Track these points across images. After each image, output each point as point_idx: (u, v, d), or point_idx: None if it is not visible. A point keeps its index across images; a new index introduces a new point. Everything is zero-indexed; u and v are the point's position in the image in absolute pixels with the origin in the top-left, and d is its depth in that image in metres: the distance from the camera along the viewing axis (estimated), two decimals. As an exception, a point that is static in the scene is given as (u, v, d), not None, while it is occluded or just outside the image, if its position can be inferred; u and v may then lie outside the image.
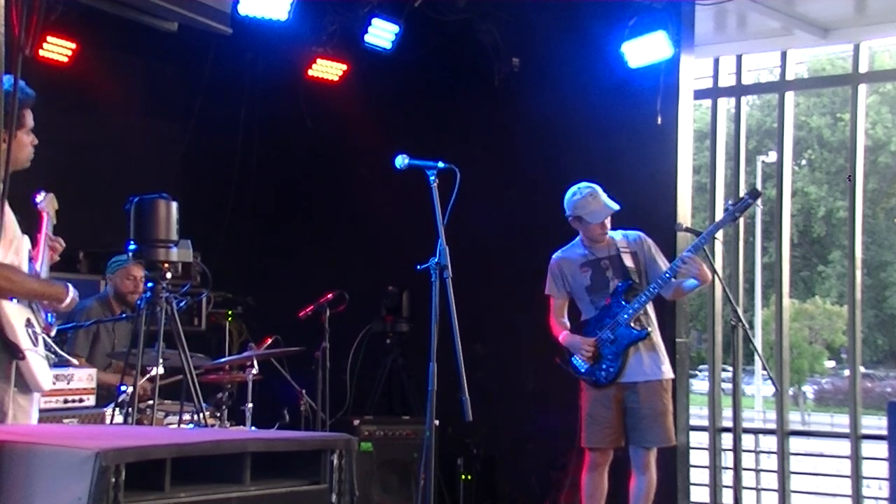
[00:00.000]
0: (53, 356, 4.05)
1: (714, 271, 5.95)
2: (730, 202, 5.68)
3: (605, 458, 5.73)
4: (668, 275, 5.62)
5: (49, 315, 4.14)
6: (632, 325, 5.66)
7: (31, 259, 4.10)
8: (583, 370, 5.72)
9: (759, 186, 23.47)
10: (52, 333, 4.20)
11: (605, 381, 5.67)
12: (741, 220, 8.41)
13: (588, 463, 5.75)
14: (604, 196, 5.72)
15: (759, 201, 5.72)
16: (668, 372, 5.74)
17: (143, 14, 5.04)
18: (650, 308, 5.73)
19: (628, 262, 5.75)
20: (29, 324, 3.93)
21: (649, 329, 5.68)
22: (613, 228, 5.81)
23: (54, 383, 4.89)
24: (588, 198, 5.70)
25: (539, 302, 5.99)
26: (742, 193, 5.70)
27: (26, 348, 3.82)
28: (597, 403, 5.70)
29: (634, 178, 6.59)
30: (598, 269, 5.76)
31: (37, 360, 3.89)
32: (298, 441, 3.09)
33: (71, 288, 4.04)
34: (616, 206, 5.71)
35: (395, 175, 4.41)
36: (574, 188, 5.76)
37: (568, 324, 5.86)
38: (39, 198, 4.31)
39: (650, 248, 5.81)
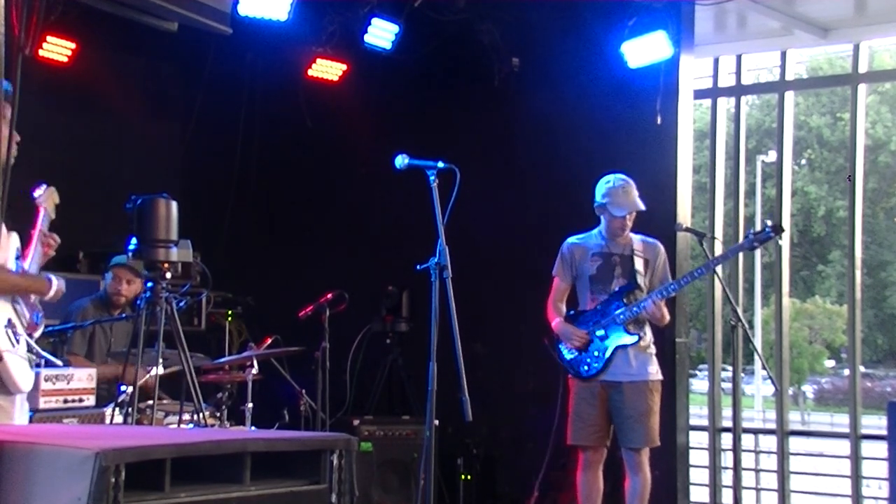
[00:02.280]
0: (35, 357, 4.02)
1: (714, 271, 5.99)
2: (752, 231, 5.70)
3: (597, 457, 5.75)
4: (673, 287, 5.69)
5: (37, 315, 4.12)
6: (627, 327, 5.69)
7: (18, 256, 4.09)
8: (567, 358, 5.79)
9: (758, 186, 23.55)
10: (37, 333, 4.18)
11: (585, 375, 5.74)
12: (741, 220, 8.49)
13: (581, 463, 5.77)
14: (634, 193, 5.75)
15: (781, 237, 5.78)
16: (655, 374, 5.76)
17: (143, 14, 5.04)
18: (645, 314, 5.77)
19: (639, 266, 5.78)
20: (10, 324, 3.90)
21: (641, 334, 5.71)
22: (638, 233, 5.86)
23: (53, 383, 4.90)
24: (619, 189, 5.73)
25: (539, 302, 5.99)
26: (769, 222, 5.72)
27: (4, 349, 3.80)
28: (582, 401, 5.74)
29: (634, 178, 6.54)
30: (608, 263, 5.79)
31: (16, 362, 3.86)
32: (298, 441, 3.09)
33: (55, 280, 4.02)
34: (642, 206, 5.74)
35: (395, 175, 4.41)
36: (609, 177, 5.79)
37: (564, 309, 5.90)
38: (38, 192, 4.27)
39: (663, 263, 5.86)
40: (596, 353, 5.72)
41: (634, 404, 5.65)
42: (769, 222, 5.75)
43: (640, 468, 5.64)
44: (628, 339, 5.68)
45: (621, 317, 5.68)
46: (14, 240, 4.08)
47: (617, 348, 5.68)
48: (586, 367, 5.74)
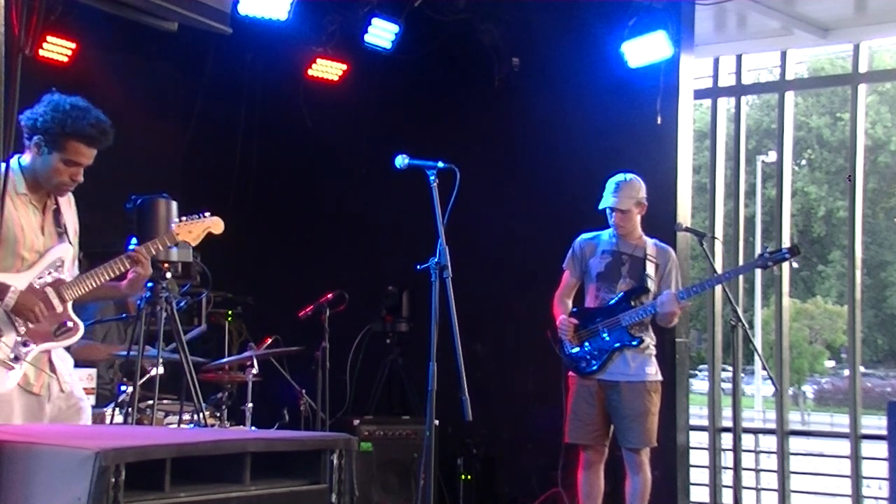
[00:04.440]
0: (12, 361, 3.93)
1: (714, 271, 6.00)
2: (767, 249, 5.72)
3: (598, 456, 5.77)
4: (682, 296, 5.69)
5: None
6: (630, 329, 5.69)
7: (59, 266, 4.10)
8: (568, 352, 5.81)
9: (759, 187, 23.56)
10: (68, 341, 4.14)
11: (584, 371, 5.77)
12: (741, 220, 8.49)
13: (582, 462, 5.80)
14: (610, 189, 5.79)
15: (794, 259, 5.80)
16: (653, 374, 5.77)
17: (143, 14, 5.05)
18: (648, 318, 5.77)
19: (650, 269, 5.79)
20: None
21: (643, 338, 5.73)
22: (652, 237, 5.90)
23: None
24: (607, 185, 5.81)
25: (539, 302, 6.00)
26: (786, 244, 5.75)
27: None
28: (580, 400, 5.77)
29: (634, 177, 6.60)
30: (617, 261, 5.82)
31: None
32: (298, 441, 3.09)
33: (10, 293, 3.92)
34: (610, 203, 5.75)
35: (395, 175, 4.42)
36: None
37: (570, 304, 5.92)
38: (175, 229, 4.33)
39: (672, 269, 5.86)
40: (596, 352, 5.74)
41: (631, 405, 5.66)
42: (786, 244, 5.76)
43: (640, 468, 5.66)
44: (629, 342, 5.69)
45: (627, 319, 5.69)
46: (59, 250, 4.12)
47: (616, 349, 5.70)
48: (584, 364, 5.77)
